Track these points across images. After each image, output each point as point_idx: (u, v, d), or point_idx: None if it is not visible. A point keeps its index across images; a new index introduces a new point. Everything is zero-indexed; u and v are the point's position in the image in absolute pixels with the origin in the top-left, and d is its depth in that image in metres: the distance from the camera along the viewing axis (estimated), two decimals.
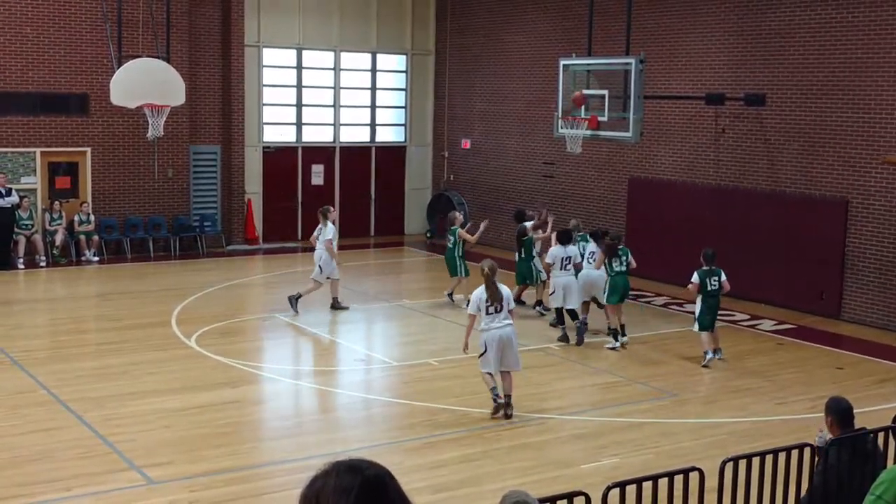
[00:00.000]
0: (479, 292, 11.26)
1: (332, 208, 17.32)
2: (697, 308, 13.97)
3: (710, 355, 13.88)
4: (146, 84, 19.41)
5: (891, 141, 16.08)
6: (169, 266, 21.28)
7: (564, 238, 15.45)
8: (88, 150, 21.46)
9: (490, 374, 11.33)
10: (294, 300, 16.34)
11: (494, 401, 11.32)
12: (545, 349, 14.68)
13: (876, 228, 16.35)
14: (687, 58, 19.34)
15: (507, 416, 11.27)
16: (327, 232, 16.53)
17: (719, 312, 14.31)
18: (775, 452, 7.47)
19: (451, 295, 17.46)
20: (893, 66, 15.97)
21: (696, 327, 14.06)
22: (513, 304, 11.53)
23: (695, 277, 13.84)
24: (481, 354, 11.29)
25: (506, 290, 11.37)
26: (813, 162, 17.27)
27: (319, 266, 16.49)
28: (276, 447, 10.62)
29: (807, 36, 17.24)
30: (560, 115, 17.80)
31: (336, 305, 16.78)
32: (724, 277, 13.93)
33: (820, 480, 7.02)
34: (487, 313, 11.20)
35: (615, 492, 6.52)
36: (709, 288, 13.78)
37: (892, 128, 16.05)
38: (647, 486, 6.73)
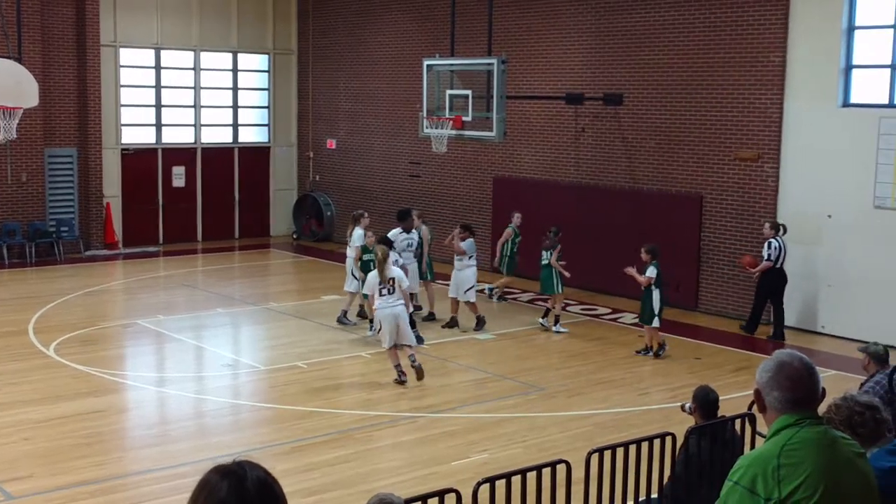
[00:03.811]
0: (374, 275, 12.66)
1: (364, 213, 16.15)
2: (657, 302, 14.08)
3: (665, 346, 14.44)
4: None
5: (742, 138, 16.74)
6: (25, 273, 20.55)
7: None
8: None
9: (390, 349, 12.61)
10: (344, 317, 15.77)
11: (398, 376, 12.60)
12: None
13: (729, 223, 16.99)
14: (547, 58, 19.71)
15: (418, 379, 12.58)
16: (354, 239, 15.63)
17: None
18: (638, 442, 7.71)
19: (557, 319, 15.91)
20: (743, 66, 16.63)
21: (656, 322, 14.18)
22: (405, 284, 12.74)
23: (651, 271, 14.03)
24: (379, 331, 12.86)
25: (396, 272, 12.66)
26: (669, 159, 17.83)
27: (353, 275, 15.54)
28: (142, 456, 10.39)
29: (661, 37, 17.78)
30: (425, 115, 17.91)
31: (342, 320, 15.86)
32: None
33: (682, 469, 7.29)
34: (381, 294, 12.51)
35: (485, 487, 6.63)
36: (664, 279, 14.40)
37: (743, 125, 16.72)
38: (517, 480, 6.85)
